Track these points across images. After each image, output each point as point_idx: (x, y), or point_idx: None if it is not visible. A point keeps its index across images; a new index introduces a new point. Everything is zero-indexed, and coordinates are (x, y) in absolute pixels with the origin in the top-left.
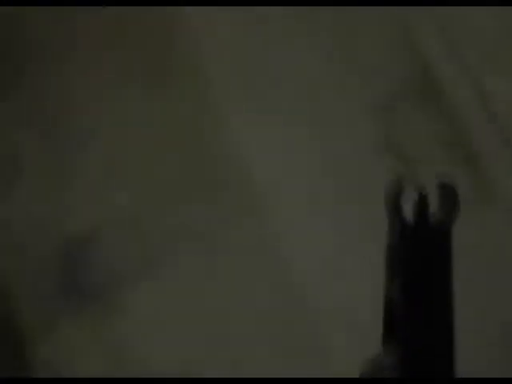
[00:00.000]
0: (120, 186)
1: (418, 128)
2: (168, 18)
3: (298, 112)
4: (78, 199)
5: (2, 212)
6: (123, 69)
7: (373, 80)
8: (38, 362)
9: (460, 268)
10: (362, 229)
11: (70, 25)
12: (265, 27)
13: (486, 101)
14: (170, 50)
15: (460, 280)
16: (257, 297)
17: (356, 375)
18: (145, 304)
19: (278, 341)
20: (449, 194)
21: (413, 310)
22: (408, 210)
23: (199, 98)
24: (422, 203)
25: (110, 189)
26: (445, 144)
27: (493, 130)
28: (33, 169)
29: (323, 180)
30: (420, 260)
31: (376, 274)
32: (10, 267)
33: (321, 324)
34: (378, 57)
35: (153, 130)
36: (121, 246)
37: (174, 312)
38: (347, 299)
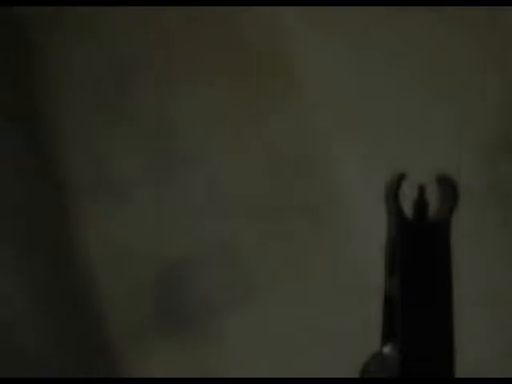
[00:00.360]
0: (220, 213)
1: None
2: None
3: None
4: (178, 225)
5: (104, 237)
6: (225, 94)
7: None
8: None
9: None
10: None
11: (170, 49)
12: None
13: None
14: (274, 75)
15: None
16: (352, 323)
17: (356, 375)
18: (240, 331)
19: None
20: (448, 188)
21: (412, 306)
22: (407, 204)
23: (301, 124)
24: (421, 198)
25: (211, 216)
26: None
27: None
28: (135, 194)
29: None
30: (419, 255)
31: None
32: (109, 292)
33: None
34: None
35: (252, 157)
36: (218, 272)
37: (269, 339)
38: None
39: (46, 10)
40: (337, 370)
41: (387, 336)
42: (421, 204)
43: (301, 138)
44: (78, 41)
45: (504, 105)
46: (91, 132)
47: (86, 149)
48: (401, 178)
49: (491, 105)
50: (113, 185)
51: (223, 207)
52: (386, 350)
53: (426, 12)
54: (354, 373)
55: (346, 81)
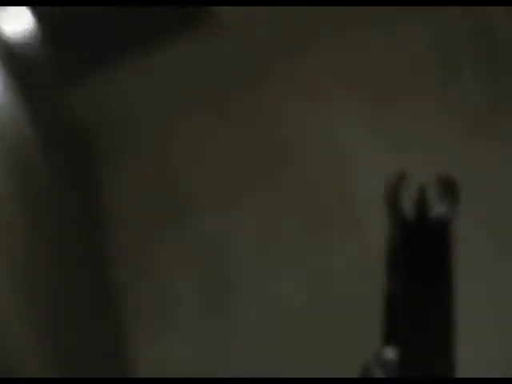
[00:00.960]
0: (273, 346)
1: None
2: None
3: None
4: (230, 352)
5: (152, 362)
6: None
7: None
8: None
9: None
10: None
11: None
12: None
13: None
14: None
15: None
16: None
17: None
18: None
19: None
20: (449, 189)
21: (412, 306)
22: (408, 206)
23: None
24: (421, 199)
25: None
26: None
27: None
28: (187, 315)
29: None
30: (420, 255)
31: None
32: None
33: None
34: None
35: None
36: None
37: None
38: None
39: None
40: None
41: (387, 336)
42: (421, 204)
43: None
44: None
45: None
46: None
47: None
48: (401, 178)
49: None
50: (164, 311)
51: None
52: (386, 349)
53: None
54: (353, 373)
55: None
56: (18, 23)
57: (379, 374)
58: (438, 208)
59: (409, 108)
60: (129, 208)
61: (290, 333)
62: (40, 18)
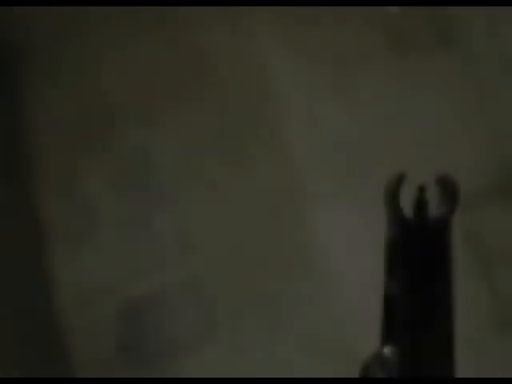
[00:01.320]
0: (189, 251)
1: None
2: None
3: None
4: (146, 261)
5: (73, 266)
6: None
7: None
8: None
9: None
10: None
11: None
12: None
13: None
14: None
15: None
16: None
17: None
18: (206, 368)
19: None
20: (448, 188)
21: (412, 306)
22: (407, 204)
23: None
24: (420, 197)
25: (180, 252)
26: None
27: None
28: (106, 226)
29: None
30: (419, 255)
31: None
32: (74, 322)
33: None
34: None
35: (229, 196)
36: (184, 310)
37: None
38: None
39: (28, 42)
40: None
41: (387, 336)
42: (421, 203)
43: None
44: (61, 77)
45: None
46: (67, 168)
47: (61, 185)
48: (400, 177)
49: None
50: (83, 221)
51: (194, 245)
52: (386, 350)
53: None
54: (354, 373)
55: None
56: None
57: (379, 374)
58: (437, 207)
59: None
60: (53, 127)
61: (207, 241)
62: None
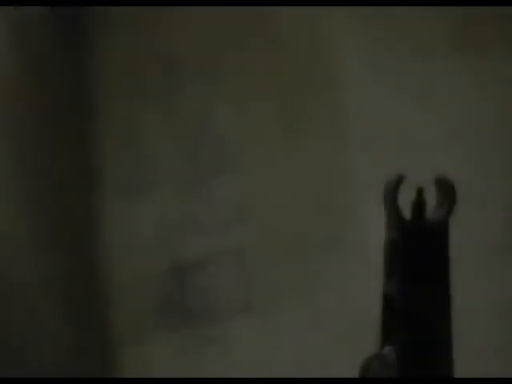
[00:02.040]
0: (240, 220)
1: None
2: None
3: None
4: (197, 223)
5: (126, 228)
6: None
7: None
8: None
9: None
10: None
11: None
12: None
13: None
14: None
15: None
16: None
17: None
18: (241, 338)
19: None
20: (446, 189)
21: (411, 307)
22: (406, 206)
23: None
24: (419, 199)
25: (231, 219)
26: None
27: None
28: (163, 182)
29: None
30: (418, 256)
31: None
32: (118, 278)
33: None
34: None
35: (286, 169)
36: (228, 278)
37: (270, 353)
38: None
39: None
40: (337, 370)
41: (387, 336)
42: (419, 205)
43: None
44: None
45: None
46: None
47: (121, 137)
48: (399, 179)
49: None
50: (141, 175)
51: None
52: (386, 350)
53: None
54: (353, 373)
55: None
56: None
57: (379, 373)
58: (435, 208)
59: None
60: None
61: (258, 212)
62: None
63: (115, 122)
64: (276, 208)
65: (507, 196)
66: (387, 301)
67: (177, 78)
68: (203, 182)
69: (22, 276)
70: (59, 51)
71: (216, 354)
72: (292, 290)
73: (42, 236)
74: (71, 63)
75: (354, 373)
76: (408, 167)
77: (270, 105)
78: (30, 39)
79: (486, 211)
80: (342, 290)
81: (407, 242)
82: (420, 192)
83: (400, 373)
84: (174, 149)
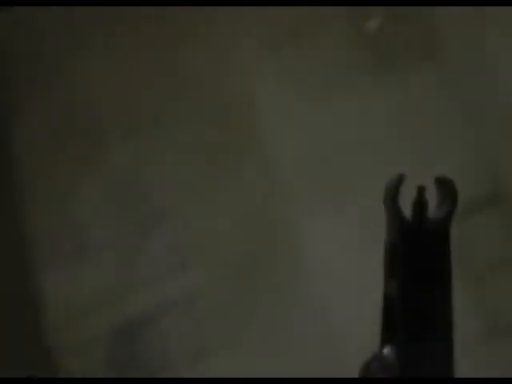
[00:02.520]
0: (184, 267)
1: None
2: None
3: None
4: (141, 278)
5: (68, 282)
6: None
7: None
8: None
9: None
10: None
11: None
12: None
13: None
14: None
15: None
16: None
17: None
18: None
19: None
20: (447, 190)
21: (411, 308)
22: (407, 206)
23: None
24: (420, 200)
25: (174, 269)
26: None
27: None
28: (99, 245)
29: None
30: (419, 256)
31: None
32: (67, 337)
33: None
34: None
35: (218, 209)
36: (176, 330)
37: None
38: None
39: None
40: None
41: (387, 336)
42: (420, 205)
43: None
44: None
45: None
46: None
47: (54, 207)
48: (400, 179)
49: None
50: (78, 241)
51: (189, 261)
52: (386, 350)
53: None
54: (353, 373)
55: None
56: None
57: (379, 374)
58: (436, 209)
59: None
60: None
61: (200, 256)
62: None
63: (43, 191)
64: (217, 247)
65: None
66: (387, 301)
67: (103, 139)
68: (140, 240)
69: None
70: None
71: None
72: (248, 331)
73: None
74: None
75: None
76: None
77: (196, 149)
78: None
79: None
80: (296, 327)
81: (408, 242)
82: (421, 191)
83: (400, 373)
84: (104, 209)
